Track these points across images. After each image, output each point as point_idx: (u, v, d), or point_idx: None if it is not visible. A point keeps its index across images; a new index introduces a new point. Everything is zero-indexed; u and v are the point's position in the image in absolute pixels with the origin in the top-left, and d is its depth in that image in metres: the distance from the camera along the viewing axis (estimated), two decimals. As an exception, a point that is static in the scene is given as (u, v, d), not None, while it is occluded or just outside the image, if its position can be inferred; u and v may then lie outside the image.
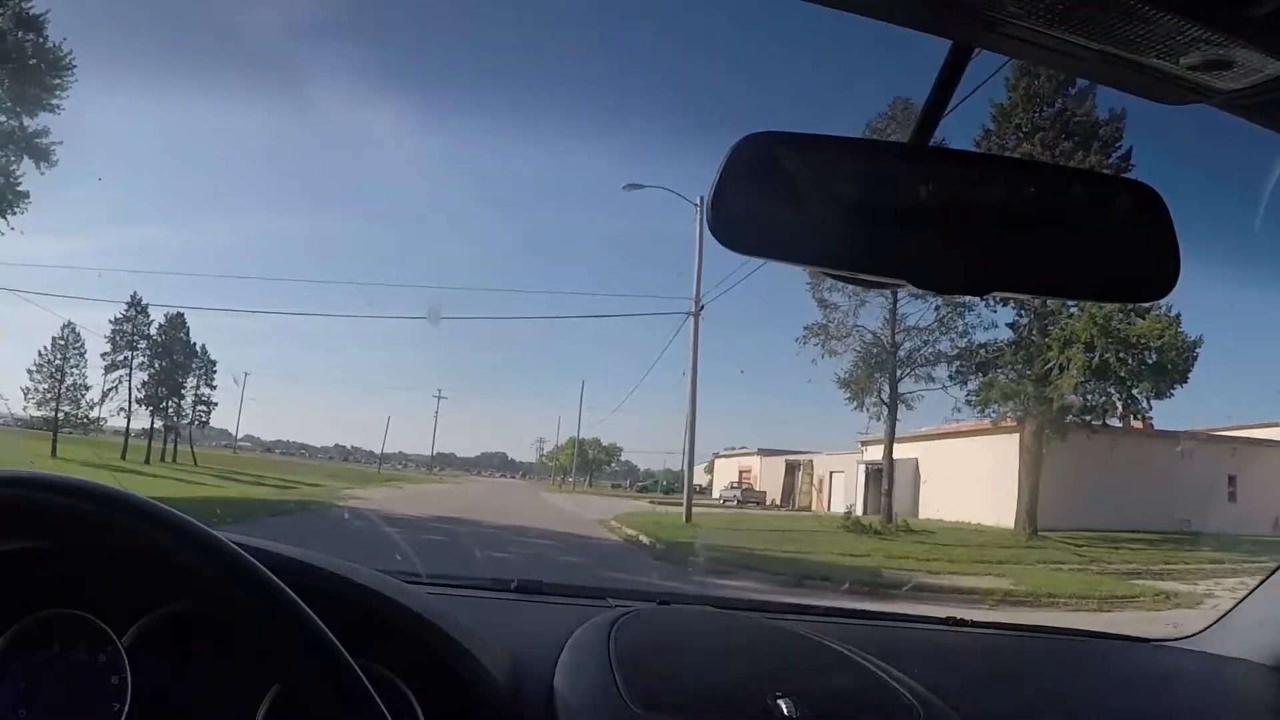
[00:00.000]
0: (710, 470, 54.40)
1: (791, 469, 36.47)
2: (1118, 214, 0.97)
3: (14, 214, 22.00)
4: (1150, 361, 20.39)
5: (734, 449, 44.57)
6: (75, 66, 21.99)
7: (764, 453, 39.61)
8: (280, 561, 1.01)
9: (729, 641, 1.64)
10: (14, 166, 22.10)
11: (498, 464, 56.87)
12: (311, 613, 0.86)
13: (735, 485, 38.26)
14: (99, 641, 1.07)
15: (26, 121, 22.13)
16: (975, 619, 2.24)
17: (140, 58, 31.68)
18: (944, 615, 2.22)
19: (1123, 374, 20.40)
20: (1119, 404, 21.33)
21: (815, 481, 34.70)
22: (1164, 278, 0.95)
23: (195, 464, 31.57)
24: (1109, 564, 16.94)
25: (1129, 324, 19.99)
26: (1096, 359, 20.09)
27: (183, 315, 32.69)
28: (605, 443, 51.75)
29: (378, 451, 48.95)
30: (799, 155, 0.94)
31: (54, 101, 22.26)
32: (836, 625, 1.95)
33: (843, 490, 32.44)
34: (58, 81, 22.04)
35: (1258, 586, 1.98)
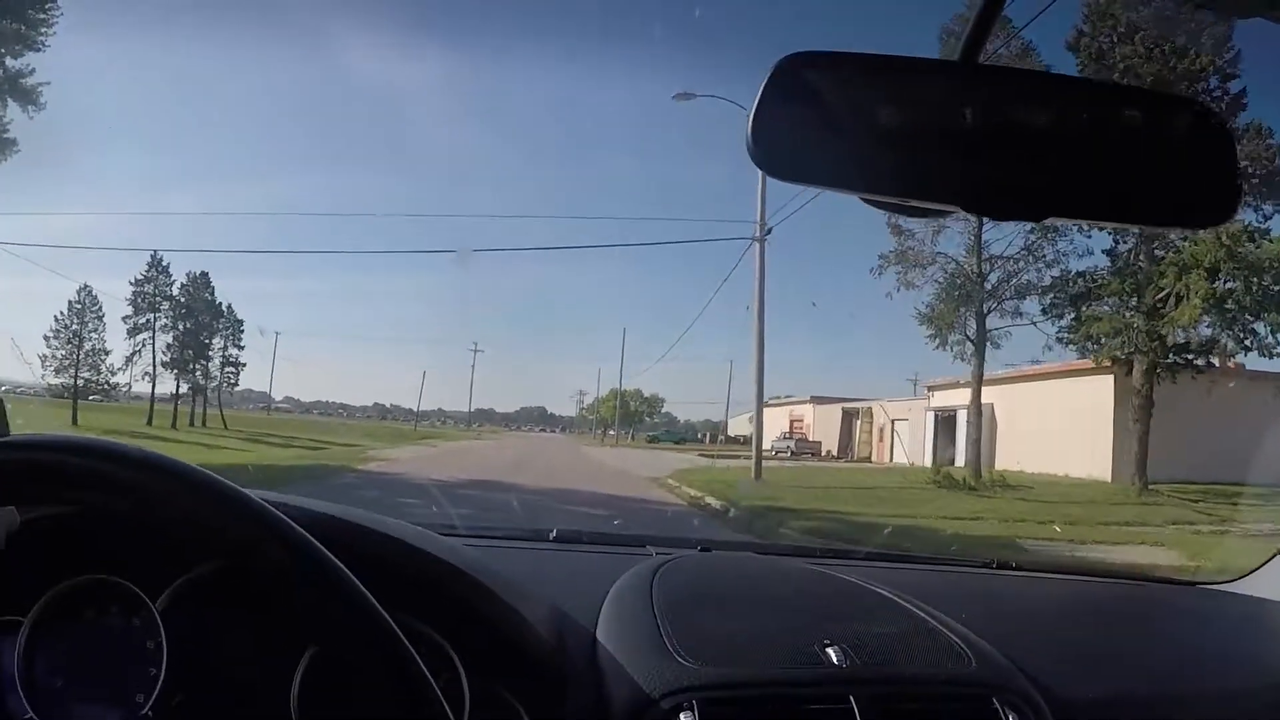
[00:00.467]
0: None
1: (849, 418, 34.15)
2: (1177, 135, 0.91)
3: (-1, 162, 19.76)
4: (1275, 289, 17.42)
5: (780, 397, 42.85)
6: (59, -2, 19.61)
7: (816, 400, 37.36)
8: (312, 518, 0.98)
9: (773, 588, 1.59)
10: (-4, 111, 19.83)
11: (537, 418, 55.95)
12: (346, 570, 0.84)
13: (787, 435, 35.94)
14: (133, 606, 1.03)
15: (10, 63, 19.82)
16: (1018, 562, 2.19)
17: (161, 13, 30.15)
18: (987, 559, 2.18)
19: (1247, 303, 17.40)
20: (1240, 339, 18.28)
21: (875, 431, 32.18)
22: (1226, 201, 0.92)
23: (225, 427, 30.37)
24: (1243, 524, 14.31)
25: (1257, 246, 17.03)
26: (1222, 286, 17.09)
27: (207, 275, 31.35)
28: (647, 394, 50.55)
29: (414, 409, 47.27)
30: (843, 75, 0.90)
31: (38, 37, 19.94)
32: (879, 570, 1.91)
33: (907, 440, 30.13)
34: (42, 16, 19.71)
35: None
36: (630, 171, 44.94)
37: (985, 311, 19.98)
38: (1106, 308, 19.14)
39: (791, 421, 39.36)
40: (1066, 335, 20.03)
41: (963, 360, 20.91)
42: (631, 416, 50.16)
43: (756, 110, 0.85)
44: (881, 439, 31.99)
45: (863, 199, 0.90)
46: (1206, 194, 0.92)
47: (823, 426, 35.63)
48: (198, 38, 29.13)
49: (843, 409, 34.36)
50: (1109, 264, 19.28)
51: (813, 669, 1.25)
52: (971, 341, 20.27)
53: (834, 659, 1.26)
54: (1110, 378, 20.55)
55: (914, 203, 0.91)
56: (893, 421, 31.40)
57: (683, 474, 18.52)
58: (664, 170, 45.43)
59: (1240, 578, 2.04)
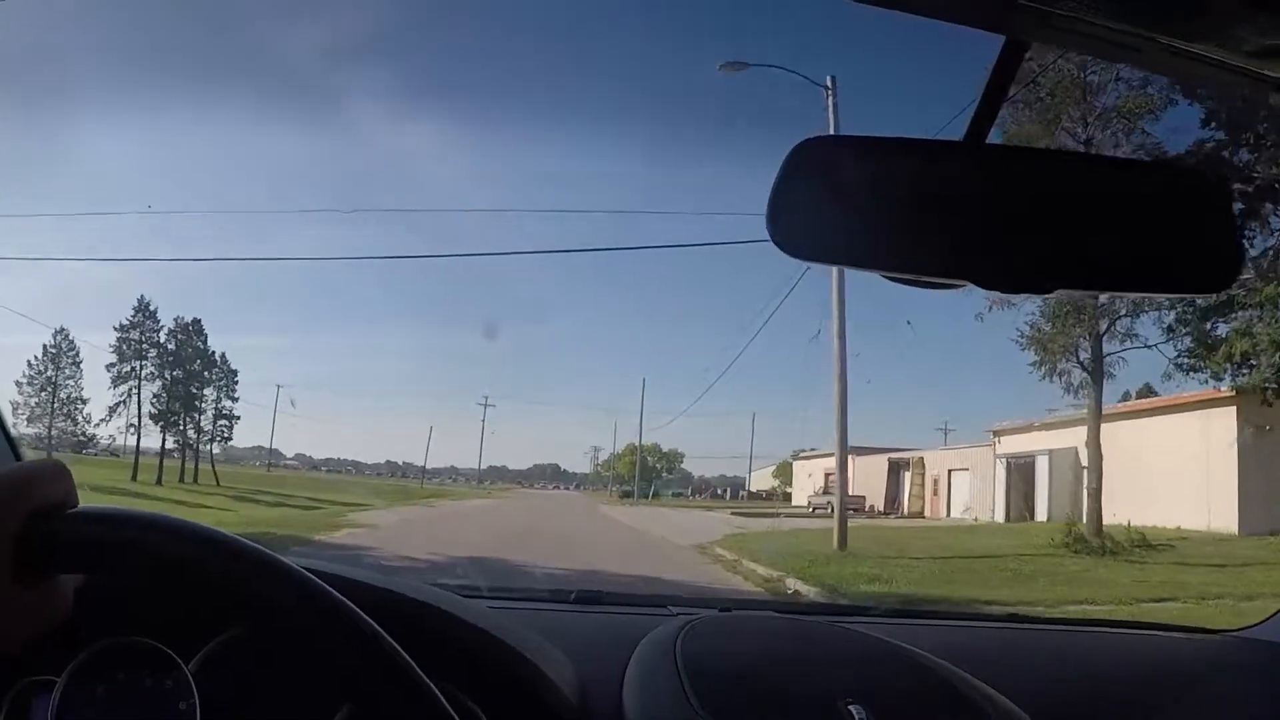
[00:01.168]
0: (780, 474, 49.93)
1: (896, 469, 30.08)
2: (1180, 204, 0.93)
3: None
4: None
5: (806, 451, 39.35)
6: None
7: (855, 451, 33.12)
8: (340, 582, 0.94)
9: (796, 647, 1.54)
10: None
11: (550, 475, 53.98)
12: (383, 632, 0.84)
13: (826, 490, 31.59)
14: (165, 668, 1.02)
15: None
16: (1037, 615, 2.28)
17: (177, 83, 29.66)
18: (1005, 613, 2.24)
19: None
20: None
21: (929, 483, 28.07)
22: (1228, 266, 0.93)
23: (217, 484, 28.07)
24: None
25: None
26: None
27: (199, 321, 29.85)
28: (665, 449, 47.85)
29: (427, 466, 45.84)
30: (856, 158, 0.93)
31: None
32: (900, 626, 1.88)
33: (967, 491, 26.12)
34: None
35: None
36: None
37: (1102, 331, 15.86)
38: (1247, 322, 15.11)
39: (826, 475, 35.41)
40: (1187, 360, 16.09)
41: (1069, 393, 16.92)
42: (649, 472, 47.37)
43: (774, 192, 0.87)
44: (935, 492, 27.94)
45: (879, 275, 0.92)
46: (1209, 259, 0.92)
47: (863, 480, 31.54)
48: (209, 95, 29.85)
49: (889, 460, 30.35)
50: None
51: None
52: (1084, 369, 16.15)
53: (855, 717, 1.22)
54: (1232, 409, 16.87)
55: (927, 278, 0.92)
56: (949, 472, 27.34)
57: (736, 542, 14.48)
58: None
59: (1258, 624, 1.93)
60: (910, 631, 1.73)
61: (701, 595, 2.82)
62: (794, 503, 37.65)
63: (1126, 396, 24.82)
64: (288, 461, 45.88)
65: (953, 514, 26.46)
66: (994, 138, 0.92)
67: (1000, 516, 23.46)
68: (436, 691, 0.82)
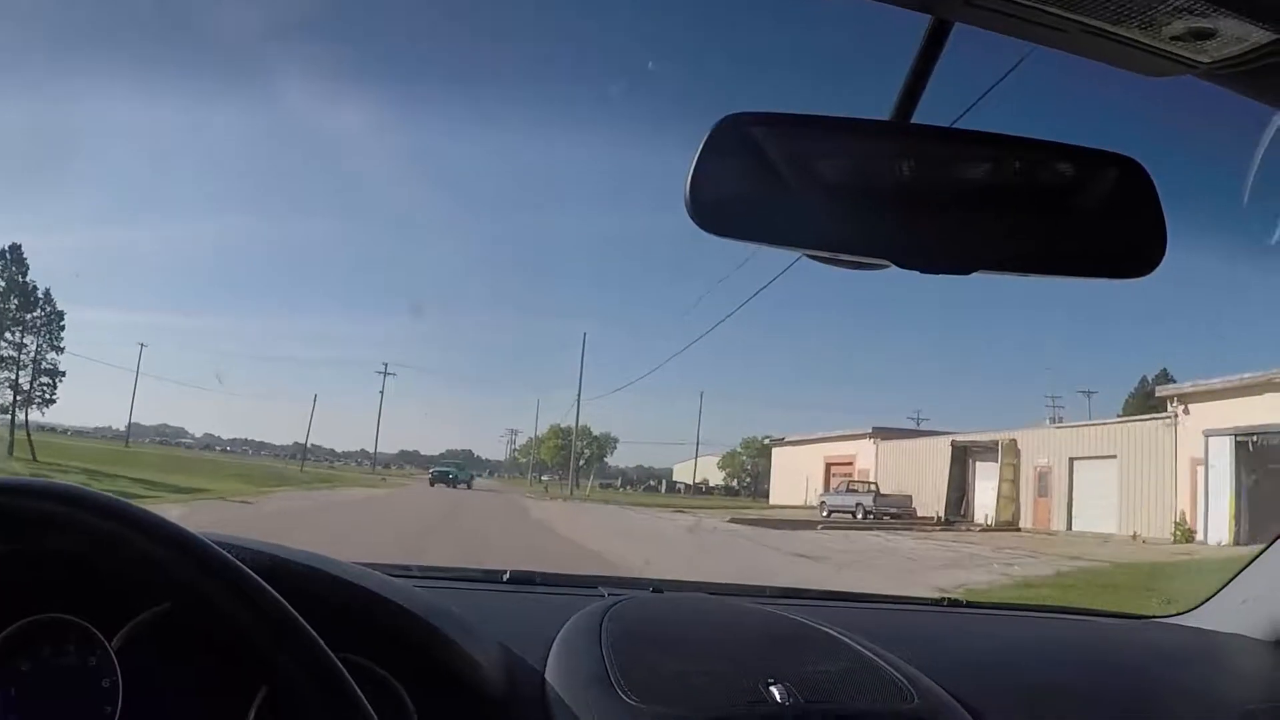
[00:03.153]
0: (727, 465, 41.93)
1: (963, 457, 20.05)
2: (1104, 189, 0.92)
3: None
4: None
5: (789, 436, 30.04)
6: None
7: (881, 434, 23.50)
8: (262, 559, 0.99)
9: (722, 628, 1.51)
10: None
11: (463, 461, 44.98)
12: (290, 608, 0.85)
13: (852, 486, 21.46)
14: (88, 645, 1.01)
15: None
16: (969, 600, 2.06)
17: (116, 60, 27.91)
18: (940, 597, 2.08)
19: None
20: None
21: (1032, 477, 18.10)
22: (1152, 251, 0.90)
23: (33, 458, 22.32)
24: None
25: None
26: None
27: (19, 247, 24.42)
28: (596, 431, 41.41)
29: (338, 449, 45.11)
30: (779, 135, 0.89)
31: None
32: (829, 609, 1.79)
33: (1115, 491, 16.42)
34: None
35: (1252, 562, 1.83)
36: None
37: None
38: None
39: (829, 464, 25.56)
40: None
41: None
42: (580, 459, 39.15)
43: (695, 169, 0.84)
44: (1043, 492, 17.99)
45: (799, 253, 0.91)
46: (1133, 245, 0.91)
47: (908, 472, 21.82)
48: (167, 105, 28.08)
49: (953, 444, 20.26)
50: None
51: (755, 707, 1.19)
52: None
53: (777, 697, 1.18)
54: None
55: (847, 257, 0.91)
56: (1070, 461, 17.43)
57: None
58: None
59: (1189, 611, 1.89)
60: (841, 614, 1.69)
61: (633, 576, 2.22)
62: (772, 500, 28.01)
63: (1144, 383, 19.71)
64: (186, 440, 44.73)
65: (1076, 525, 16.64)
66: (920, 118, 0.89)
67: (1222, 534, 13.55)
68: (349, 677, 0.82)
